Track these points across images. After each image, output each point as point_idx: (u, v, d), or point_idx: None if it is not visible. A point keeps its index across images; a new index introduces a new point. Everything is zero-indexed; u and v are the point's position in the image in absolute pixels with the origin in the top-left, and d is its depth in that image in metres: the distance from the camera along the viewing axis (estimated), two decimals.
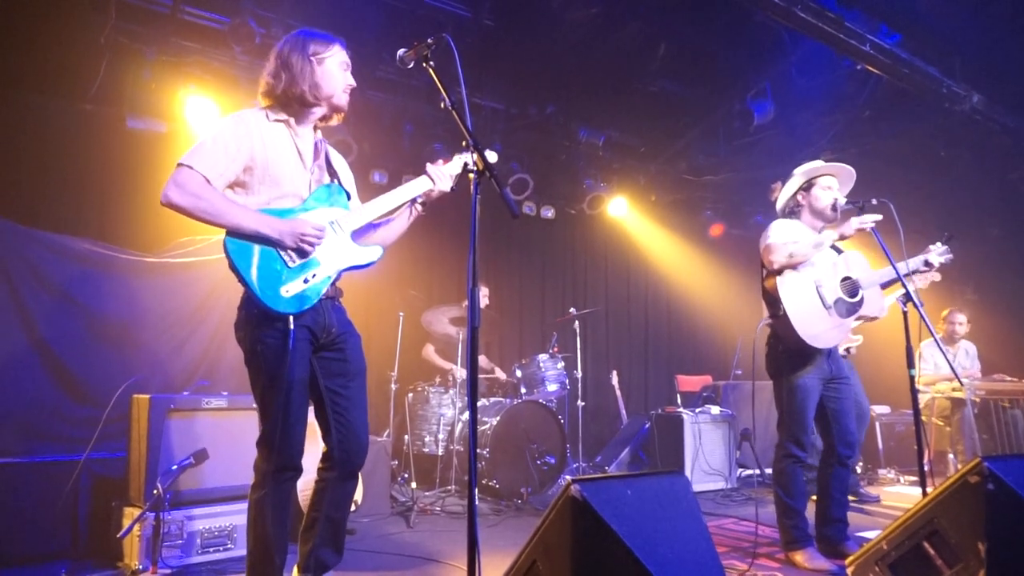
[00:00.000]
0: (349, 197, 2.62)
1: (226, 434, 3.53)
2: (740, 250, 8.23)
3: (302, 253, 2.37)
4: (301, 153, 2.51)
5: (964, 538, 2.34)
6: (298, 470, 2.43)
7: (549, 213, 7.37)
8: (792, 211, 3.68)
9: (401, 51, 2.37)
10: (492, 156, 2.79)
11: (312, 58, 2.49)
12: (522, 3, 5.05)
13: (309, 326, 2.41)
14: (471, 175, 2.17)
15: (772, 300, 3.45)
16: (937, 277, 3.87)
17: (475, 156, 2.18)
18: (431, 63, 2.33)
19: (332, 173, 2.61)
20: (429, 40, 2.31)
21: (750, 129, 6.11)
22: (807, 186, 3.63)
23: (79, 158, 4.85)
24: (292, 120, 2.52)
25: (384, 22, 4.92)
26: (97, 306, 4.16)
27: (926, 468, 3.10)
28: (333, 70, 2.51)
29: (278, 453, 2.35)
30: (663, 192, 7.84)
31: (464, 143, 2.22)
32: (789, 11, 4.52)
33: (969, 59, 5.56)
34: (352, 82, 2.58)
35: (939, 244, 3.68)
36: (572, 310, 6.18)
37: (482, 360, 6.35)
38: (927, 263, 3.63)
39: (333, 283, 2.49)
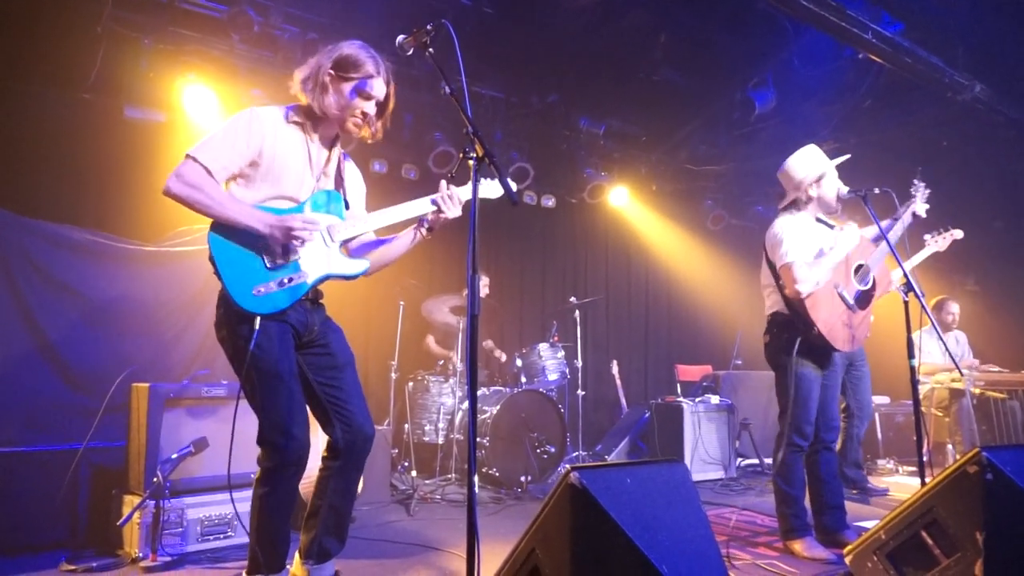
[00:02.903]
0: (347, 207, 2.60)
1: (225, 423, 3.53)
2: (740, 240, 8.21)
3: (288, 251, 2.36)
4: (311, 158, 2.50)
5: (962, 528, 2.35)
6: (301, 465, 2.42)
7: (550, 202, 7.34)
8: (800, 203, 3.59)
9: (400, 38, 2.34)
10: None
11: (331, 73, 2.43)
12: None
13: (292, 324, 2.41)
14: (471, 163, 2.15)
15: (804, 320, 3.37)
16: (959, 234, 4.17)
17: (475, 144, 2.17)
18: (431, 50, 2.31)
19: (339, 185, 2.59)
20: (428, 27, 2.29)
21: (751, 119, 6.09)
22: (818, 178, 3.55)
23: (77, 148, 4.83)
24: (309, 125, 2.51)
25: (383, 10, 4.89)
26: (95, 295, 4.16)
27: (925, 458, 3.10)
28: (346, 93, 2.44)
29: (280, 449, 2.35)
30: (664, 182, 7.82)
31: (464, 132, 2.21)
32: None
33: (972, 48, 5.52)
34: (368, 111, 2.48)
35: (915, 183, 3.67)
36: (572, 299, 6.17)
37: (488, 343, 6.32)
38: (915, 214, 3.61)
39: (312, 289, 2.47)
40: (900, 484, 5.61)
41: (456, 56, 2.18)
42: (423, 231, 2.62)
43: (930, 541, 2.44)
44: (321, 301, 2.59)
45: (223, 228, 2.32)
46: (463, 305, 5.72)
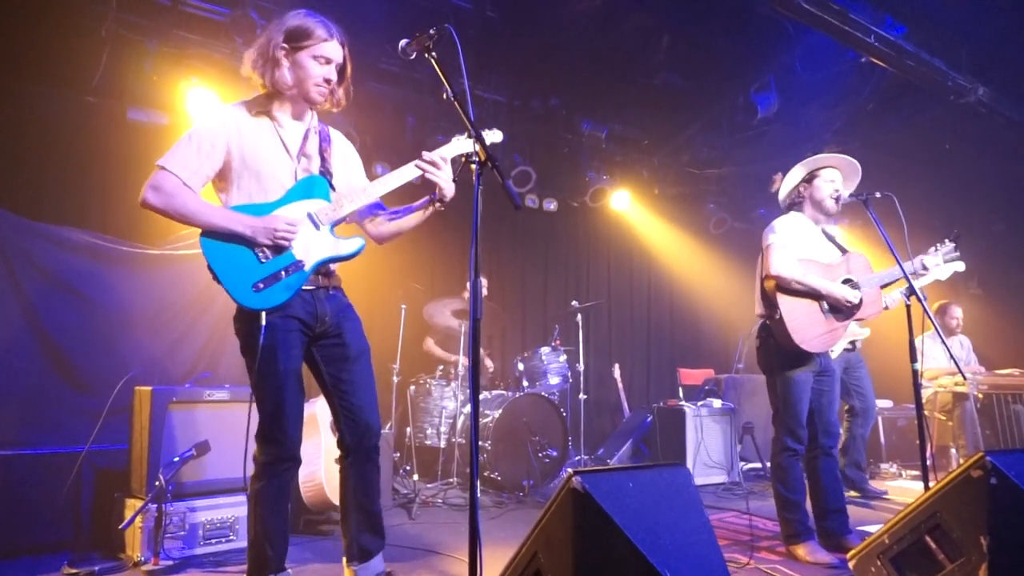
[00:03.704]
0: (333, 188, 2.55)
1: (228, 426, 3.54)
2: (743, 243, 8.20)
3: (277, 249, 2.36)
4: (285, 143, 2.49)
5: (966, 532, 2.34)
6: (295, 460, 2.44)
7: (552, 206, 7.34)
8: (794, 203, 3.67)
9: (403, 42, 2.35)
10: (497, 135, 2.72)
11: (283, 46, 2.41)
12: None
13: (300, 317, 2.41)
14: (473, 166, 2.15)
15: (769, 302, 3.45)
16: (960, 267, 3.87)
17: (477, 147, 2.17)
18: (433, 54, 2.31)
19: (323, 162, 2.55)
20: (431, 31, 2.29)
21: (754, 122, 6.08)
22: (809, 178, 3.62)
23: (81, 150, 4.84)
24: (275, 109, 2.49)
25: (386, 14, 4.90)
26: (99, 298, 4.16)
27: (928, 462, 3.09)
28: (304, 63, 2.42)
29: (274, 444, 2.37)
30: (666, 185, 7.81)
31: (467, 134, 2.21)
32: (793, 3, 4.49)
33: (975, 51, 5.52)
34: (329, 75, 2.47)
35: (947, 242, 3.66)
36: (574, 303, 6.17)
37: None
38: (924, 267, 3.61)
39: (317, 275, 2.47)
40: (904, 488, 5.59)
41: (459, 60, 2.18)
42: (436, 205, 2.59)
43: (934, 546, 2.43)
44: (337, 287, 2.57)
45: (212, 232, 2.32)
46: (464, 308, 5.72)
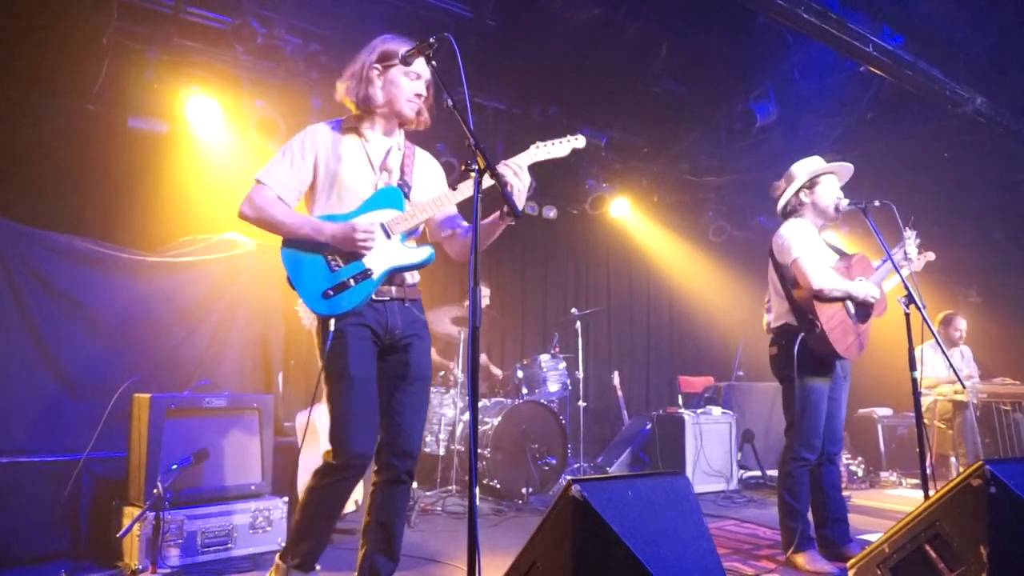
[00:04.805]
0: (409, 198, 2.60)
1: (227, 434, 3.53)
2: (742, 251, 8.22)
3: (349, 258, 2.42)
4: (370, 158, 2.57)
5: (966, 541, 2.33)
6: (354, 470, 2.43)
7: (551, 213, 7.35)
8: (794, 209, 3.65)
9: (403, 50, 2.41)
10: (580, 141, 2.62)
11: (376, 66, 2.52)
12: (524, 3, 5.05)
13: (370, 326, 2.45)
14: (472, 175, 2.17)
15: (803, 315, 3.41)
16: (931, 256, 3.84)
17: (477, 155, 2.17)
18: (433, 63, 2.34)
19: (404, 175, 2.62)
20: (431, 40, 2.31)
21: (752, 131, 6.10)
22: (810, 184, 3.62)
23: (81, 158, 4.84)
24: (363, 127, 2.59)
25: (387, 22, 4.92)
26: (98, 305, 4.15)
27: (928, 471, 3.09)
28: (396, 79, 2.53)
29: (337, 448, 2.40)
30: (665, 193, 7.83)
31: (466, 143, 2.22)
32: (792, 12, 4.51)
33: (973, 61, 5.54)
34: (420, 91, 2.57)
35: (907, 230, 3.68)
36: (574, 310, 6.17)
37: (483, 359, 6.34)
38: (907, 256, 3.63)
39: (389, 285, 2.50)
40: (904, 497, 5.58)
41: (458, 68, 2.19)
42: (508, 219, 2.46)
43: (934, 555, 2.42)
44: (413, 300, 2.59)
45: (290, 242, 2.44)
46: (464, 316, 5.72)
